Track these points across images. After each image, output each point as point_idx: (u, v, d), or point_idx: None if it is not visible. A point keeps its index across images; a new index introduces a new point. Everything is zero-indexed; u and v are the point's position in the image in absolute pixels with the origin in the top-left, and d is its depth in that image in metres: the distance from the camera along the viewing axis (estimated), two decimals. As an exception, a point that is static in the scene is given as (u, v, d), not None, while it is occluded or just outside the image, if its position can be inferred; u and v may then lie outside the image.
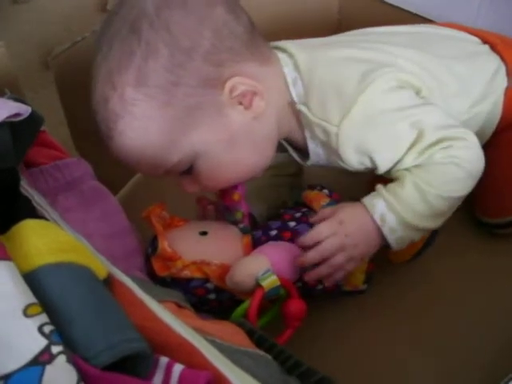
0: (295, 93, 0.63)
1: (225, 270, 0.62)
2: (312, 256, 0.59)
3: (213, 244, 0.66)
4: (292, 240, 0.65)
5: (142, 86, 0.56)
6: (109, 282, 0.44)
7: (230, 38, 0.58)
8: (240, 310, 0.59)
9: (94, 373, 0.36)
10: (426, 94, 0.63)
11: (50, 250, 0.42)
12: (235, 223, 0.69)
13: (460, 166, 0.58)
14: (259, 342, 0.53)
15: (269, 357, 0.50)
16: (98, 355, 0.36)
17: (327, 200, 0.68)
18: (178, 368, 0.38)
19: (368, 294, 0.70)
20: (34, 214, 0.51)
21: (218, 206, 0.72)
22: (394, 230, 0.59)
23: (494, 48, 0.72)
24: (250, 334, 0.54)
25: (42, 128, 0.73)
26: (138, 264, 0.67)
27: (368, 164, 0.62)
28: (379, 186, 0.61)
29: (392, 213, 0.59)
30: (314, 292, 0.67)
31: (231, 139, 0.60)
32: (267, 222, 0.70)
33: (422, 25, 0.79)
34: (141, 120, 0.57)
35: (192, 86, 0.56)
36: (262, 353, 0.50)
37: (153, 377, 0.38)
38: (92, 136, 0.83)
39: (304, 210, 0.70)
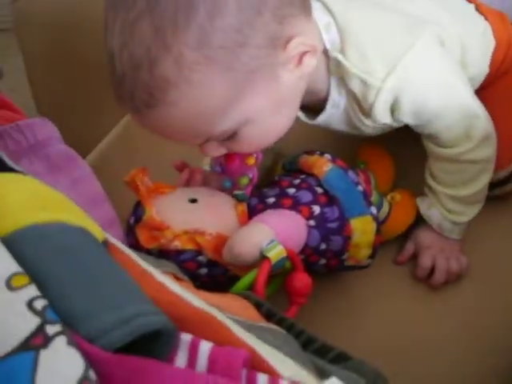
0: (328, 39, 0.57)
1: (221, 240, 0.55)
2: (438, 279, 0.66)
3: (205, 212, 0.58)
4: (292, 208, 0.59)
5: (203, 47, 0.47)
6: (107, 247, 0.36)
7: None
8: (241, 283, 0.52)
9: (104, 357, 0.28)
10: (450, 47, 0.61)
11: (36, 208, 0.33)
12: (230, 190, 0.61)
13: (488, 163, 0.63)
14: (267, 316, 0.47)
15: (285, 332, 0.44)
16: (105, 333, 0.28)
17: (330, 165, 0.61)
18: (205, 346, 0.31)
19: (374, 271, 0.64)
20: (6, 167, 0.42)
21: (207, 171, 0.64)
22: (453, 231, 0.67)
23: (478, 8, 0.69)
24: (257, 307, 0.47)
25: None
26: (117, 235, 0.58)
27: (408, 121, 0.60)
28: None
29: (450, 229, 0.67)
30: (315, 267, 0.61)
31: (280, 102, 0.54)
32: (262, 189, 0.63)
33: None
34: (198, 88, 0.48)
35: (258, 47, 0.49)
36: (278, 328, 0.43)
37: (174, 358, 0.31)
38: (56, 93, 0.74)
39: (302, 176, 0.63)
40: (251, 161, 0.61)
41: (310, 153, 0.64)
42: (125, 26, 0.47)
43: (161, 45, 0.47)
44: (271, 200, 0.60)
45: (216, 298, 0.44)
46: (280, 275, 0.56)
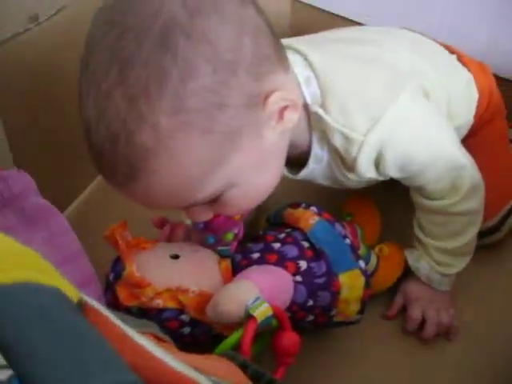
0: (308, 93, 0.56)
1: (204, 298, 0.53)
2: (429, 331, 0.65)
3: (187, 269, 0.56)
4: (278, 263, 0.57)
5: (179, 113, 0.45)
6: (82, 308, 0.34)
7: (265, 44, 0.49)
8: (226, 344, 0.50)
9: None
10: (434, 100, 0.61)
11: (7, 266, 0.31)
12: (213, 246, 0.59)
13: (476, 214, 0.62)
14: (254, 378, 0.44)
15: None
16: (79, 406, 0.26)
17: (316, 218, 0.60)
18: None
19: (364, 326, 0.62)
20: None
21: (189, 225, 0.62)
22: (442, 282, 0.65)
23: (460, 59, 0.69)
24: (243, 368, 0.44)
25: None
26: (95, 293, 0.56)
27: (393, 175, 0.59)
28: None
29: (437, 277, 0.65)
30: (303, 324, 0.59)
31: (264, 160, 0.52)
32: (246, 244, 0.61)
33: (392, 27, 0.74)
34: (179, 154, 0.46)
35: (236, 107, 0.47)
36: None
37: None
38: (34, 145, 0.72)
39: (287, 230, 0.61)
40: (237, 216, 0.60)
41: (295, 206, 0.63)
42: (98, 99, 0.45)
43: (136, 115, 0.45)
44: (256, 255, 0.58)
45: (200, 360, 0.42)
46: (266, 334, 0.54)
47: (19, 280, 0.30)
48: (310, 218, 0.60)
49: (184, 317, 0.54)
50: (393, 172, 0.58)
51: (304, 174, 0.61)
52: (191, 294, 0.53)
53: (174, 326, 0.54)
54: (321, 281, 0.57)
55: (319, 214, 0.61)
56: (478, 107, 0.68)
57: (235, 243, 0.61)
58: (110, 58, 0.45)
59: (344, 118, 0.55)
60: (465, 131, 0.68)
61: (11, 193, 0.60)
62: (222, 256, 0.60)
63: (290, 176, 0.62)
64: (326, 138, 0.57)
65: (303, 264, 0.57)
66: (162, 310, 0.53)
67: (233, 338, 0.50)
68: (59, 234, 0.60)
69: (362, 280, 0.58)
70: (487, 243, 0.69)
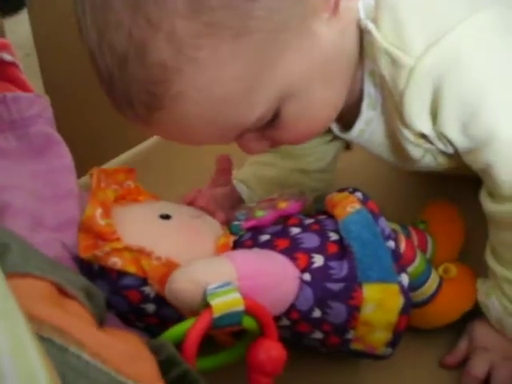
0: (363, 6, 0.43)
1: (172, 270, 0.40)
2: None
3: (171, 233, 0.45)
4: (286, 252, 0.43)
5: (200, 11, 0.36)
6: None
7: None
8: (175, 331, 0.37)
9: None
10: None
11: None
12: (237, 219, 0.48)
13: None
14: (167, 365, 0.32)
15: None
16: None
17: (356, 206, 0.45)
18: None
19: (401, 365, 0.46)
20: None
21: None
22: None
23: None
24: (167, 365, 0.32)
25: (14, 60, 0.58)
26: (70, 238, 0.46)
27: (452, 134, 0.42)
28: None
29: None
30: (305, 341, 0.44)
31: (324, 67, 0.41)
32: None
33: None
34: (208, 67, 0.37)
35: None
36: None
37: None
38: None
39: (321, 217, 0.47)
40: (281, 205, 0.48)
41: (342, 190, 0.49)
42: (95, 14, 0.37)
43: (144, 23, 0.35)
44: (264, 237, 0.45)
45: (96, 334, 0.30)
46: (242, 340, 0.40)
47: None
48: (348, 205, 0.45)
49: (147, 289, 0.42)
50: (453, 128, 0.42)
51: (358, 127, 0.47)
52: (155, 260, 0.41)
53: (134, 299, 0.42)
54: (336, 287, 0.42)
55: (363, 202, 0.46)
56: None
57: (254, 222, 0.48)
58: None
59: (395, 33, 0.41)
60: None
61: (21, 116, 0.54)
62: (233, 232, 0.47)
63: (342, 135, 0.49)
64: (376, 67, 0.43)
65: (319, 259, 0.43)
66: (121, 274, 0.42)
67: (183, 327, 0.37)
68: (57, 171, 0.52)
69: (398, 301, 0.42)
70: None
